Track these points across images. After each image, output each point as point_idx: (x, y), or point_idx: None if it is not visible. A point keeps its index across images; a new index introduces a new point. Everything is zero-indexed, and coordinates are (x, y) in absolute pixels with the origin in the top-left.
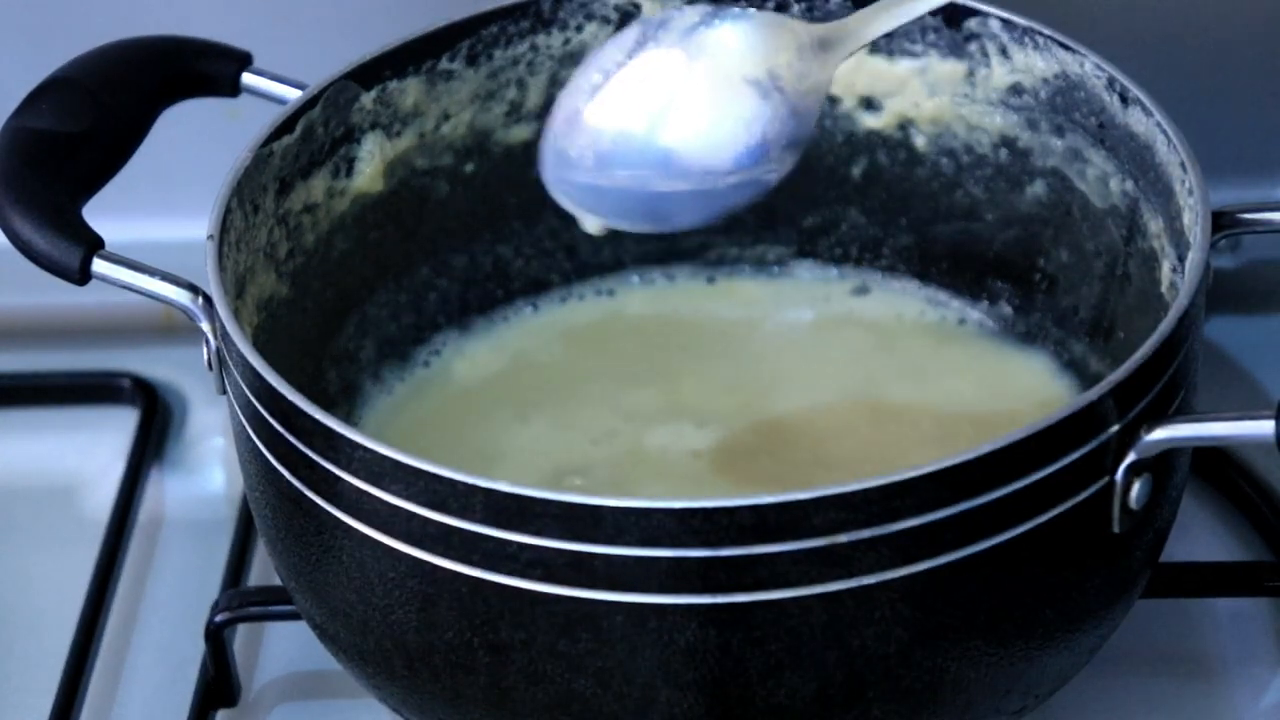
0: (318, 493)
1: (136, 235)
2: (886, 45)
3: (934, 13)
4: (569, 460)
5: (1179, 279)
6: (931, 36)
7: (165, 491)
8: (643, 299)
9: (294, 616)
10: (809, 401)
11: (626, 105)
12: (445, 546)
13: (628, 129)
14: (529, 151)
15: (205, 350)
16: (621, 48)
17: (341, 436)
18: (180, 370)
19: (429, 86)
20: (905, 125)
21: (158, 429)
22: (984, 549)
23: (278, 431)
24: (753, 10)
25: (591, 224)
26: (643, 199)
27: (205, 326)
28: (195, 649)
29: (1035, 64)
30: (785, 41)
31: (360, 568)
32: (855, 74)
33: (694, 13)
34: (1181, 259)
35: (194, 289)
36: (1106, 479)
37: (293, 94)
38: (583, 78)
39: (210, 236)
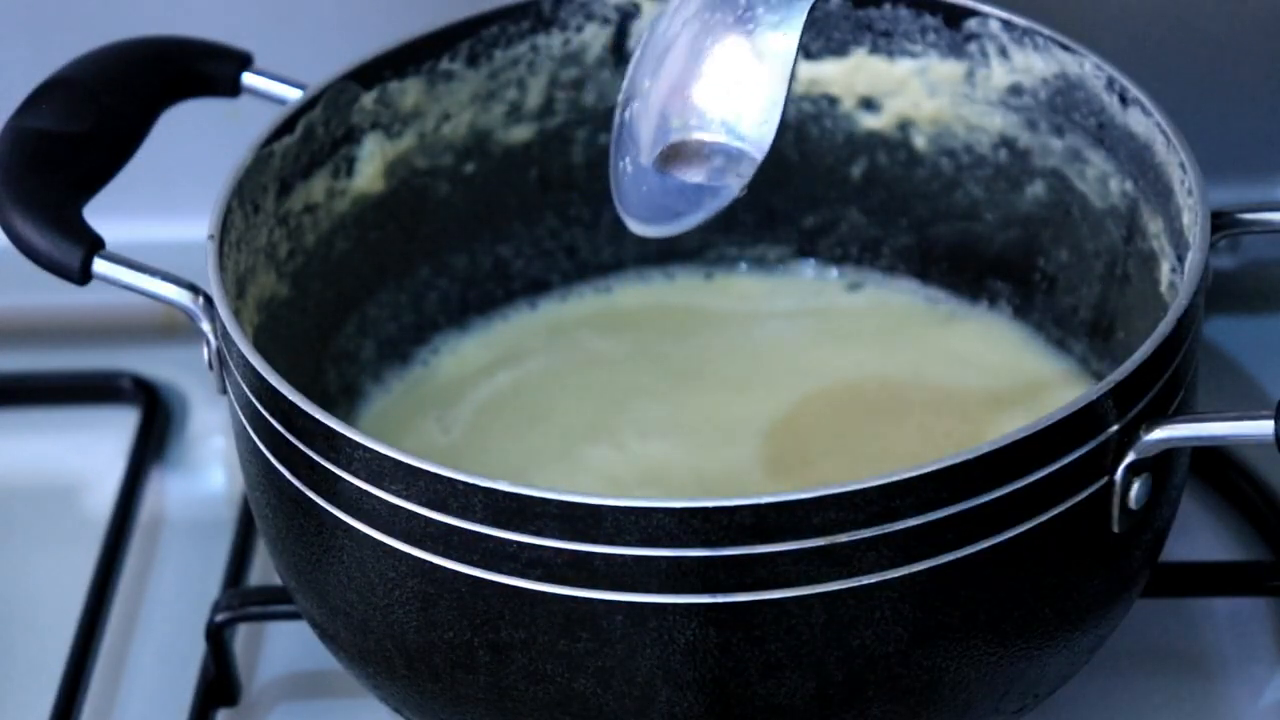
0: (318, 492)
1: (137, 235)
2: (886, 45)
3: (934, 13)
4: (569, 460)
5: (1178, 279)
6: (931, 37)
7: (166, 491)
8: (642, 297)
9: (294, 616)
10: (807, 400)
11: (711, 85)
12: (445, 546)
13: (705, 107)
14: (529, 151)
15: (206, 350)
16: (685, 24)
17: (342, 436)
18: (181, 370)
19: (429, 87)
20: (905, 125)
21: (158, 429)
22: (984, 549)
23: (278, 431)
24: None
25: (644, 230)
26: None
27: (206, 327)
28: (196, 648)
29: (1035, 64)
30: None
31: (360, 567)
32: (855, 74)
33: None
34: (1181, 259)
35: (194, 289)
36: (1106, 479)
37: (293, 94)
38: (658, 56)
39: (211, 237)
